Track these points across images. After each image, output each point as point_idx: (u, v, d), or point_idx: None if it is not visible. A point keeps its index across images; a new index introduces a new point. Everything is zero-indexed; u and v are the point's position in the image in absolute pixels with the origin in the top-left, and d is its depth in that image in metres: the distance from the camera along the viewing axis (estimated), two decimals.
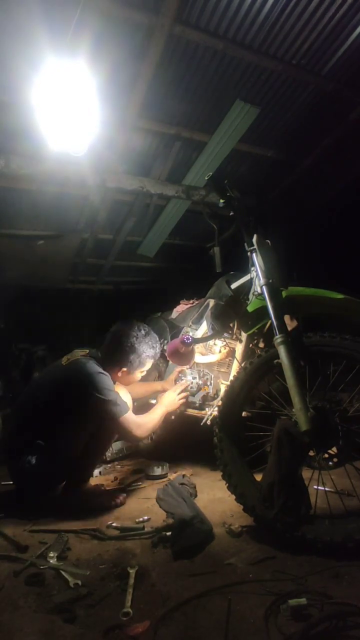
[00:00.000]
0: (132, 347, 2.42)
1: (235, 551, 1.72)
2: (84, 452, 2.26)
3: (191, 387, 2.61)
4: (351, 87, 3.51)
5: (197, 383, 2.64)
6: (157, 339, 2.59)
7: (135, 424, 2.31)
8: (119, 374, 2.44)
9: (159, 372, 3.38)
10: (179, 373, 2.71)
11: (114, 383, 2.37)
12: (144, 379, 3.48)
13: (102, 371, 2.28)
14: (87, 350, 2.42)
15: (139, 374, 2.53)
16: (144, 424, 2.36)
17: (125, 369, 2.43)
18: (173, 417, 2.63)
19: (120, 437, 2.38)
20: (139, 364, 2.46)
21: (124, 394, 2.46)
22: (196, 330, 2.85)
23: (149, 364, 2.53)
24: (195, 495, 2.31)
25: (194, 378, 2.62)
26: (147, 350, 2.47)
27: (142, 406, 2.75)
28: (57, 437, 2.20)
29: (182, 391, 2.55)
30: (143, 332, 2.48)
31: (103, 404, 2.19)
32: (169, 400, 2.51)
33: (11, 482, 2.37)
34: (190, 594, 1.43)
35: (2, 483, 2.55)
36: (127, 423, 2.27)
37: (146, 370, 2.57)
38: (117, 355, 2.42)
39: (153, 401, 2.67)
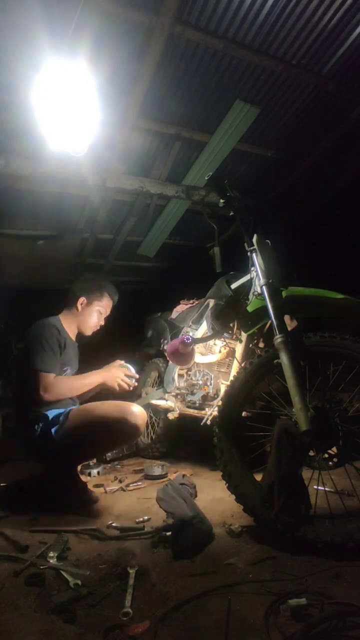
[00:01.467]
0: (90, 278, 2.70)
1: (235, 551, 1.72)
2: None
3: (189, 388, 2.61)
4: (351, 87, 3.51)
5: (197, 383, 2.65)
6: (115, 287, 2.75)
7: (45, 385, 2.27)
8: (79, 307, 2.58)
9: (159, 372, 3.39)
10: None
11: (73, 326, 2.56)
12: (143, 379, 3.49)
13: (53, 323, 2.43)
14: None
15: (96, 313, 2.62)
16: (57, 387, 2.30)
17: (83, 298, 2.58)
18: (171, 416, 2.63)
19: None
20: (99, 294, 2.63)
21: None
22: (196, 330, 2.86)
23: (106, 299, 2.66)
24: (195, 495, 2.31)
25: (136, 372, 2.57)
26: (106, 282, 2.70)
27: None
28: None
29: (125, 375, 2.48)
30: (103, 278, 2.75)
31: (30, 348, 2.32)
32: (108, 371, 2.48)
33: (4, 484, 2.38)
34: (190, 594, 1.43)
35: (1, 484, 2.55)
36: (38, 380, 2.26)
37: (104, 309, 2.67)
38: (76, 289, 2.61)
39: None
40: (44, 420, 2.25)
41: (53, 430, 2.22)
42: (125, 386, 2.47)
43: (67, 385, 2.38)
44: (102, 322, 2.70)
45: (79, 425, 2.21)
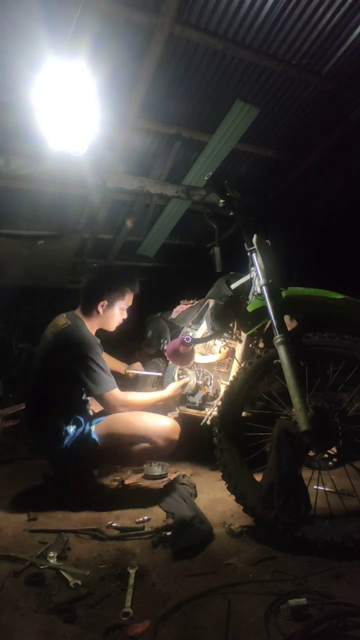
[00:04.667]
0: (108, 276, 2.54)
1: (235, 551, 1.72)
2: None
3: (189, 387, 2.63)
4: (351, 87, 3.51)
5: (196, 383, 2.64)
6: (131, 274, 2.63)
7: (119, 403, 2.31)
8: (100, 310, 2.46)
9: None
10: (179, 370, 2.72)
11: (95, 327, 2.45)
12: (143, 379, 3.49)
13: (88, 337, 2.33)
14: (65, 315, 2.45)
15: (119, 311, 2.53)
16: (131, 404, 2.36)
17: (105, 301, 2.45)
18: (171, 415, 2.63)
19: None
20: (119, 292, 2.49)
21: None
22: (196, 330, 2.85)
23: (128, 295, 2.54)
24: (195, 495, 2.31)
25: (197, 378, 2.62)
26: (121, 275, 2.55)
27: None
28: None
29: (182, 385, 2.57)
30: (117, 268, 2.61)
31: (88, 375, 2.25)
32: (172, 388, 2.54)
33: None
34: (190, 594, 1.43)
35: None
36: (109, 401, 2.29)
37: (127, 304, 2.56)
38: (95, 292, 2.47)
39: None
40: (77, 424, 2.29)
41: (89, 435, 2.27)
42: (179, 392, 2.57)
43: (140, 403, 2.43)
44: (125, 316, 2.62)
45: (119, 434, 2.28)
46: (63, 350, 2.30)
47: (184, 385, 2.58)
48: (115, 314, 2.53)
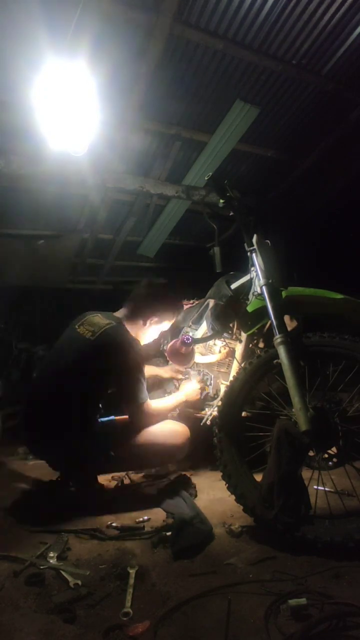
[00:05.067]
0: (169, 298, 2.56)
1: (235, 551, 1.72)
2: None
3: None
4: (351, 87, 3.51)
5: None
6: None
7: (147, 414, 2.25)
8: (148, 323, 2.43)
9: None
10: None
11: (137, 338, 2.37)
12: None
13: (136, 346, 2.26)
14: (100, 315, 2.34)
15: (160, 331, 2.54)
16: (158, 414, 2.32)
17: (156, 318, 2.44)
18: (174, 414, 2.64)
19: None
20: (171, 315, 2.54)
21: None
22: (196, 330, 2.85)
23: (175, 319, 2.61)
24: (195, 495, 2.31)
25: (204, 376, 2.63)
26: (174, 301, 2.61)
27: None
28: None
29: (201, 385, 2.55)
30: (175, 295, 2.65)
31: (129, 382, 2.18)
32: (191, 389, 2.52)
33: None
34: (190, 594, 1.43)
35: None
36: (145, 412, 2.23)
37: (165, 329, 2.59)
38: (150, 305, 2.44)
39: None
40: (92, 434, 2.20)
41: (105, 444, 2.19)
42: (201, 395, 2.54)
43: (163, 412, 2.39)
44: (157, 337, 2.62)
45: (133, 443, 2.22)
46: (109, 350, 2.18)
47: (202, 392, 2.55)
48: (157, 330, 2.53)
